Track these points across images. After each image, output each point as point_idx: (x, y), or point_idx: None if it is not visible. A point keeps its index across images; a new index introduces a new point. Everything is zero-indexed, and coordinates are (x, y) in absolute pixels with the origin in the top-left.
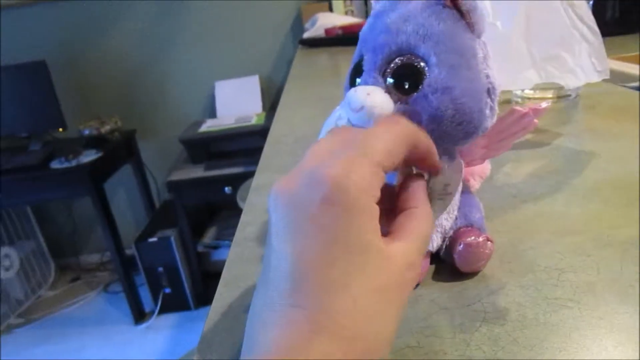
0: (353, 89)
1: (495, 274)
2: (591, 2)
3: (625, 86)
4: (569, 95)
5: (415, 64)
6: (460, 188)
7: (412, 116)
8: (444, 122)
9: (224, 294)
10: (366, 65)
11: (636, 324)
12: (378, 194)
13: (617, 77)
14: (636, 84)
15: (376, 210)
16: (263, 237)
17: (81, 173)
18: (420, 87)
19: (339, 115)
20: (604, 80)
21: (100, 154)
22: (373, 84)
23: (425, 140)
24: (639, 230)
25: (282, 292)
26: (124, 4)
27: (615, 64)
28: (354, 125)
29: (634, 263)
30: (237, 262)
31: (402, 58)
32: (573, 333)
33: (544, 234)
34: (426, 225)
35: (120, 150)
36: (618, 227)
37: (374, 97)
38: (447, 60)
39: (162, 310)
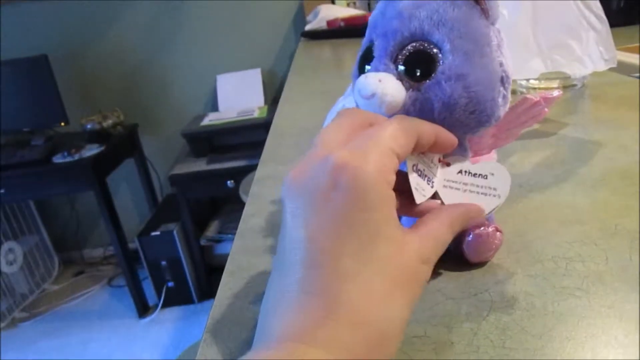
0: (363, 76)
1: (503, 264)
2: None
3: (631, 76)
4: (575, 85)
5: (429, 50)
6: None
7: (425, 104)
8: (457, 110)
9: (229, 284)
10: (377, 51)
11: None
12: (393, 178)
13: (622, 68)
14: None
15: (392, 197)
16: (267, 229)
17: (84, 167)
18: (433, 74)
19: (343, 106)
20: (610, 70)
21: (102, 149)
22: (384, 71)
23: (428, 129)
24: None
25: (296, 279)
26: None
27: (620, 55)
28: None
29: None
30: (241, 253)
31: (414, 44)
32: (581, 322)
33: (551, 224)
34: (447, 231)
35: (123, 144)
36: (626, 216)
37: (386, 84)
38: (461, 47)
39: (166, 304)
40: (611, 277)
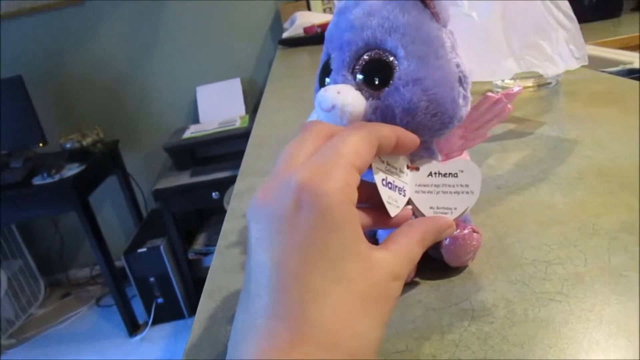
0: (322, 89)
1: (483, 270)
2: None
3: (604, 71)
4: (550, 83)
5: (384, 58)
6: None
7: (386, 111)
8: (418, 114)
9: (207, 305)
10: (334, 64)
11: (627, 313)
12: (355, 195)
13: (596, 63)
14: (616, 68)
15: (355, 214)
16: (246, 245)
17: (65, 188)
18: (390, 81)
19: (317, 115)
20: (584, 66)
21: (83, 167)
22: (342, 82)
23: (388, 132)
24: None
25: (263, 304)
26: (99, 14)
27: (594, 50)
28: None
29: (622, 251)
30: (220, 271)
31: (370, 53)
32: (563, 328)
33: (530, 226)
34: (417, 247)
35: (104, 161)
36: (603, 215)
37: (345, 95)
38: (415, 52)
39: (156, 321)
40: (591, 279)
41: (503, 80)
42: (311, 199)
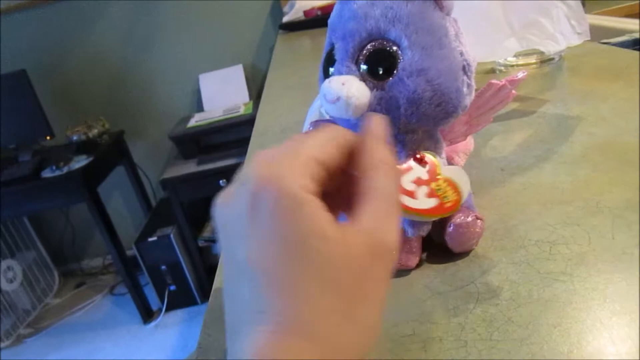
0: (327, 80)
1: (487, 253)
2: None
3: (610, 43)
4: (553, 59)
5: (388, 48)
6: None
7: (390, 101)
8: (423, 104)
9: (219, 297)
10: (338, 55)
11: (630, 290)
12: (311, 185)
13: (600, 33)
14: (620, 38)
15: (313, 200)
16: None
17: (73, 180)
18: (395, 71)
19: (320, 104)
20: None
21: (91, 159)
22: (347, 73)
23: (354, 138)
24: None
25: (245, 300)
26: (100, 5)
27: (598, 19)
28: (332, 117)
29: (625, 229)
30: None
31: (373, 44)
32: (567, 307)
33: (533, 206)
34: (386, 193)
35: (111, 152)
36: (607, 193)
37: (350, 86)
38: (419, 42)
39: (169, 308)
40: (594, 258)
41: (506, 59)
42: (267, 197)
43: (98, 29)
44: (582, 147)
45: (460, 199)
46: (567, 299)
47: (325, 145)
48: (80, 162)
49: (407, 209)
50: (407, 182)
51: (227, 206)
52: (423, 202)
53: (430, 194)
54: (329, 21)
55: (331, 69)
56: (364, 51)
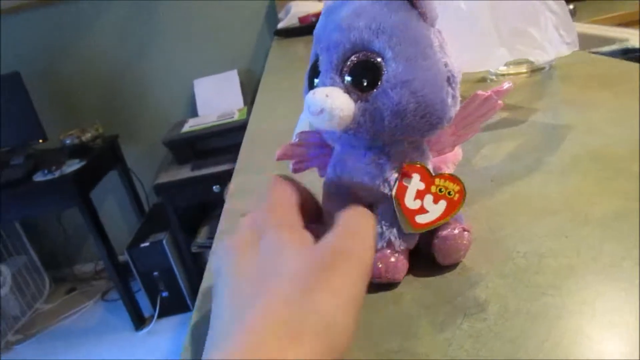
0: (311, 92)
1: (476, 265)
2: None
3: (600, 52)
4: (543, 68)
5: (372, 59)
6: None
7: (374, 113)
8: (407, 116)
9: (203, 308)
10: (322, 66)
11: (619, 304)
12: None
13: (591, 42)
14: (611, 47)
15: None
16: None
17: (66, 184)
18: (379, 83)
19: (306, 119)
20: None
21: (84, 163)
22: (331, 85)
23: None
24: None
25: (227, 294)
26: (96, 9)
27: (589, 28)
28: (317, 129)
29: (614, 240)
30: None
31: (357, 55)
32: (556, 322)
33: (523, 217)
34: (352, 223)
35: (105, 157)
36: (596, 203)
37: (333, 98)
38: (403, 53)
39: (162, 314)
40: (583, 271)
41: (497, 69)
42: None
43: (94, 33)
44: (572, 156)
45: (463, 184)
46: (555, 313)
47: (294, 201)
48: (72, 166)
49: (426, 226)
50: (410, 202)
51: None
52: (434, 210)
53: (436, 198)
54: (315, 32)
55: (316, 80)
56: (348, 62)
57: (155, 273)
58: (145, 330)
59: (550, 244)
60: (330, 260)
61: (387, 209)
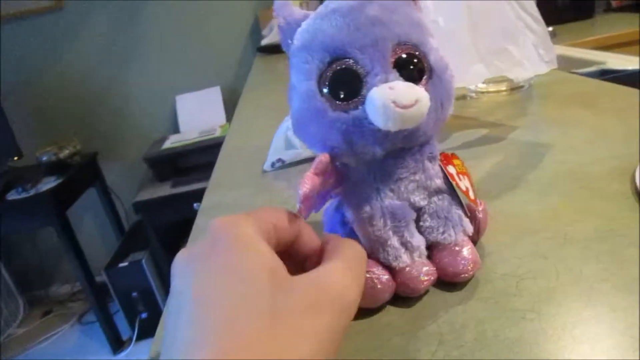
0: (384, 86)
1: (453, 288)
2: None
3: (578, 73)
4: (523, 86)
5: (415, 51)
6: None
7: (437, 100)
8: (452, 97)
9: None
10: (370, 63)
11: (598, 330)
12: (266, 238)
13: (570, 64)
14: (589, 69)
15: (267, 245)
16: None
17: (41, 202)
18: (427, 73)
19: (288, 125)
20: (558, 68)
21: (60, 180)
22: (395, 79)
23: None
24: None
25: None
26: (76, 22)
27: (568, 50)
28: (392, 126)
29: (594, 261)
30: None
31: (402, 48)
32: (534, 348)
33: (502, 237)
34: (346, 255)
35: (83, 174)
36: (576, 223)
37: (418, 89)
38: (431, 43)
39: (140, 336)
40: (563, 294)
41: (476, 86)
42: (224, 234)
43: (75, 47)
44: (552, 174)
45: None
46: (534, 339)
47: (280, 217)
48: (49, 183)
49: (476, 200)
50: (460, 184)
51: (186, 253)
52: (468, 185)
53: (462, 174)
54: (311, 37)
55: (366, 80)
56: (396, 57)
57: (134, 294)
58: (123, 354)
59: (530, 265)
60: (314, 299)
61: (439, 207)
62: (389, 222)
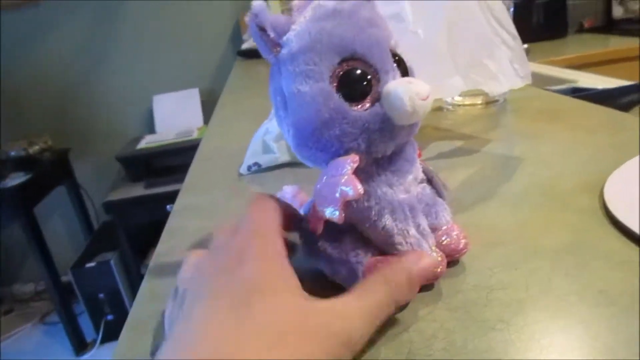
0: (404, 80)
1: (424, 297)
2: (512, 9)
3: (551, 89)
4: (497, 100)
5: (398, 50)
6: None
7: None
8: None
9: (129, 341)
10: (379, 62)
11: (566, 341)
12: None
13: (544, 81)
14: (561, 87)
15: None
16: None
17: (7, 198)
18: (410, 69)
19: (266, 129)
20: (532, 84)
21: (29, 176)
22: (399, 77)
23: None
24: None
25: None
26: (54, 17)
27: (542, 68)
28: (415, 118)
29: (562, 274)
30: (147, 300)
31: (392, 47)
32: (503, 358)
33: (474, 248)
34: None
35: (53, 171)
36: (546, 235)
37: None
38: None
39: (105, 339)
40: (532, 305)
41: (453, 98)
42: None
43: (50, 41)
44: (523, 187)
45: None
46: (502, 350)
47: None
48: (16, 179)
49: None
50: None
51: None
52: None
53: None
54: (302, 44)
55: (383, 78)
56: (392, 55)
57: (101, 295)
58: (86, 356)
59: (501, 276)
60: (324, 330)
61: (427, 193)
62: (408, 213)
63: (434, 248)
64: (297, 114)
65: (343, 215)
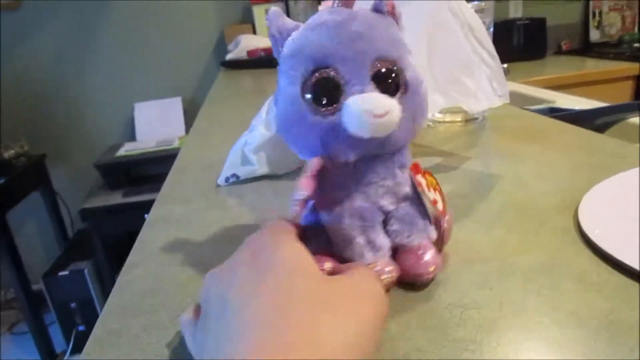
0: (363, 96)
1: (398, 315)
2: (492, 29)
3: (529, 109)
4: (477, 118)
5: (393, 66)
6: None
7: (409, 112)
8: (425, 110)
9: (93, 355)
10: (349, 75)
11: None
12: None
13: (522, 100)
14: (540, 106)
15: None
16: (152, 283)
17: None
18: (404, 86)
19: (245, 140)
20: (510, 103)
21: (2, 181)
22: (370, 91)
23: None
24: None
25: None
26: (34, 21)
27: (521, 88)
28: (365, 133)
29: (535, 294)
30: (115, 313)
31: (380, 62)
32: None
33: (449, 266)
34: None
35: (28, 176)
36: (521, 254)
37: (390, 101)
38: (409, 59)
39: (76, 350)
40: (505, 325)
41: (433, 114)
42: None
43: (30, 45)
44: (500, 205)
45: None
46: None
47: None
48: None
49: (444, 212)
50: (429, 193)
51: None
52: (437, 198)
53: (432, 188)
54: (291, 49)
55: (345, 88)
56: (375, 70)
57: (73, 305)
58: None
59: (474, 296)
60: (355, 288)
61: (407, 212)
62: (357, 222)
63: (381, 262)
64: (277, 107)
65: (299, 214)
